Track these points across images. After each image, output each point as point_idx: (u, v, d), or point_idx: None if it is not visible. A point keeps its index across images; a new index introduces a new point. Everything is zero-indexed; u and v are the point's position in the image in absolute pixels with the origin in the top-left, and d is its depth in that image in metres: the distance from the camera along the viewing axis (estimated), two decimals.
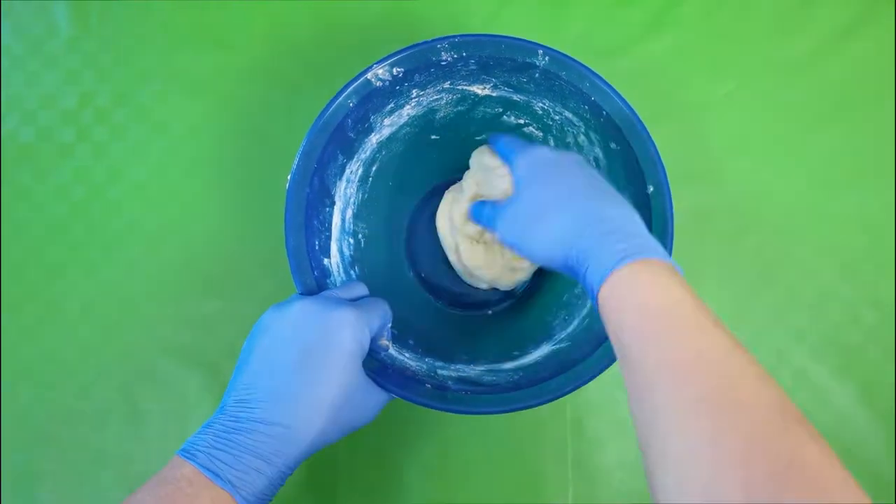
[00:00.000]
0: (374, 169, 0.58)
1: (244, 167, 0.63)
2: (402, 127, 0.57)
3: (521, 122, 0.58)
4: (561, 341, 0.53)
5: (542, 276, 0.62)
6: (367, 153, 0.56)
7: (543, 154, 0.46)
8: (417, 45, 0.50)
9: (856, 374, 0.61)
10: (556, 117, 0.55)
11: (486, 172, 0.53)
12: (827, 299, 0.62)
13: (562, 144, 0.57)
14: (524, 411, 0.57)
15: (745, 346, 0.33)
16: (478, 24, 0.65)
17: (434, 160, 0.60)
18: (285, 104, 0.64)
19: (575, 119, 0.54)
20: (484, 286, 0.61)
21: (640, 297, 0.34)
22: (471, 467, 0.60)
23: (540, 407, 0.55)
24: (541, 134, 0.58)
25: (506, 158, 0.49)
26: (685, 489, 0.29)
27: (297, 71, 0.65)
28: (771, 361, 0.62)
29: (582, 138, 0.55)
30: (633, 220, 0.39)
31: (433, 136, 0.59)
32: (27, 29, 0.65)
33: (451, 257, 0.59)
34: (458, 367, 0.52)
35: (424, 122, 0.58)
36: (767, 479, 0.27)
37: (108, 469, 0.59)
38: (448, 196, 0.59)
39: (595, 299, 0.37)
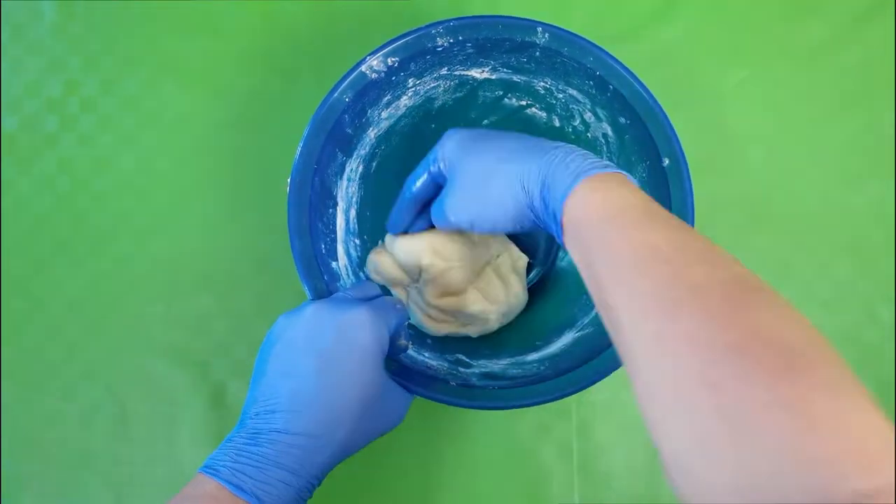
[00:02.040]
0: (374, 165, 0.56)
1: (237, 158, 0.62)
2: (399, 119, 0.55)
3: (523, 103, 0.56)
4: (584, 327, 0.51)
5: (554, 266, 0.59)
6: (367, 149, 0.55)
7: (453, 133, 0.44)
8: (412, 32, 0.48)
9: (872, 373, 0.59)
10: (560, 96, 0.54)
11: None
12: (843, 295, 0.61)
13: (567, 123, 0.56)
14: (527, 412, 0.56)
15: (703, 237, 0.33)
16: (479, 9, 0.63)
17: None
18: (281, 93, 0.62)
19: (580, 96, 0.52)
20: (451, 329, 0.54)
21: (596, 209, 0.35)
22: (472, 468, 0.58)
23: (544, 409, 0.53)
24: (544, 114, 0.57)
25: (428, 166, 0.46)
26: (656, 396, 0.29)
27: (293, 58, 0.63)
28: None
29: (588, 115, 0.54)
30: (574, 148, 0.39)
31: (433, 125, 0.57)
32: (10, 14, 0.63)
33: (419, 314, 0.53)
34: (481, 362, 0.51)
35: (423, 112, 0.56)
36: (727, 349, 0.27)
37: (94, 472, 0.58)
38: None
39: (560, 228, 0.36)
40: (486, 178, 0.40)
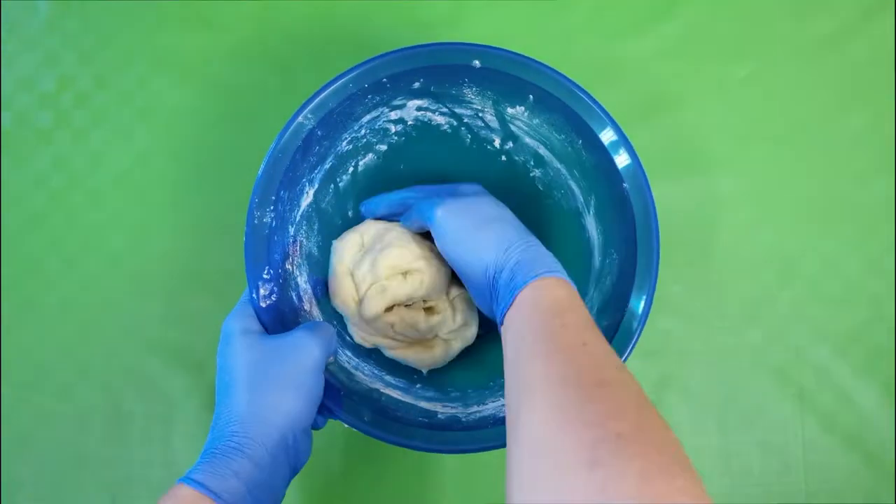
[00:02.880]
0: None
1: (234, 154, 0.61)
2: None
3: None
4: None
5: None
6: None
7: (454, 191, 0.49)
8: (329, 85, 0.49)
9: (881, 373, 0.59)
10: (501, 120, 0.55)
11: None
12: (850, 294, 0.60)
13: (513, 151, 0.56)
14: None
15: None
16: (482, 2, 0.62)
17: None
18: (277, 87, 0.62)
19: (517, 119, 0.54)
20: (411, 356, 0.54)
21: (546, 301, 0.39)
22: (473, 469, 0.58)
23: None
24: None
25: (416, 209, 0.50)
26: (534, 454, 0.32)
27: (289, 52, 0.62)
28: (789, 360, 0.59)
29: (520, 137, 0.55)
30: (535, 243, 0.44)
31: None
32: (3, 8, 0.62)
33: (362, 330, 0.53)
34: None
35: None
36: (616, 437, 0.29)
37: (89, 473, 0.57)
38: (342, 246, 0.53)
39: (503, 315, 0.41)
40: (483, 223, 0.45)
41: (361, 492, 0.58)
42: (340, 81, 0.48)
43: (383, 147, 0.55)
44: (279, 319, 0.48)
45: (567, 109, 0.49)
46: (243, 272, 0.57)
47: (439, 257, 0.51)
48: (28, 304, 0.59)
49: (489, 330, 0.55)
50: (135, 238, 0.60)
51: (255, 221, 0.48)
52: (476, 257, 0.44)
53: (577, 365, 0.34)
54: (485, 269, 0.43)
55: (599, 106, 0.49)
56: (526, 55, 0.49)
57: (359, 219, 0.55)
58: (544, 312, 0.38)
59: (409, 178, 0.55)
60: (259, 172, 0.48)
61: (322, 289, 0.53)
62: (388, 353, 0.53)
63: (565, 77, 0.49)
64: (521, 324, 0.39)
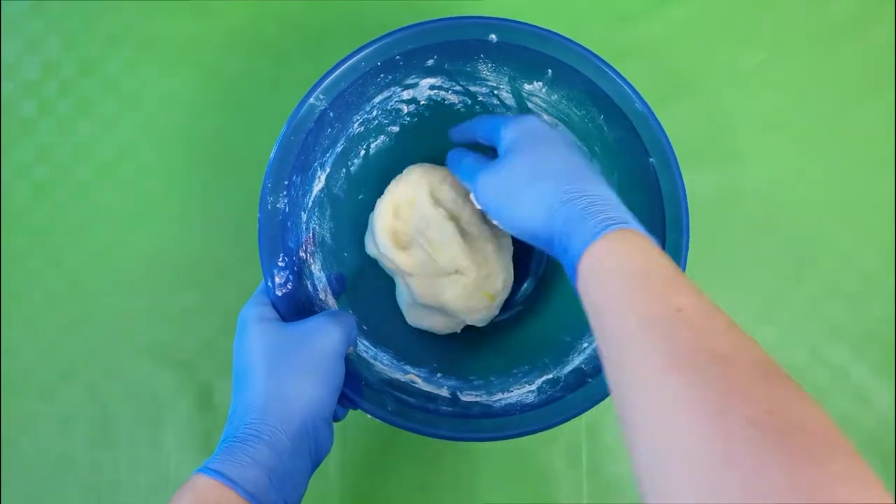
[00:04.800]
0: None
1: (225, 145, 0.60)
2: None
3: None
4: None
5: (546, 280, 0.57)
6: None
7: (533, 123, 0.45)
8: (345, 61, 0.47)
9: None
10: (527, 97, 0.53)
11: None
12: (868, 291, 0.58)
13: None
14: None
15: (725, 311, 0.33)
16: None
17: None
18: (271, 75, 0.60)
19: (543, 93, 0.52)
20: (441, 324, 0.54)
21: (621, 262, 0.35)
22: (477, 471, 0.57)
23: None
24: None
25: (491, 133, 0.47)
26: (667, 465, 0.28)
27: (283, 38, 0.61)
28: (805, 359, 0.58)
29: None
30: (613, 197, 0.40)
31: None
32: None
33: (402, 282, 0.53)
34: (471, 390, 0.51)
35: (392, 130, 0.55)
36: (747, 424, 0.26)
37: (74, 478, 0.56)
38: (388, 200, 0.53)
39: (574, 269, 0.37)
40: (523, 183, 0.41)
41: (382, 483, 0.57)
42: (353, 60, 0.47)
43: (395, 128, 0.54)
44: (295, 308, 0.47)
45: (589, 84, 0.48)
46: (234, 267, 0.59)
47: (485, 250, 0.52)
48: (10, 301, 0.58)
49: (508, 313, 0.55)
50: (121, 232, 0.59)
51: (269, 207, 0.46)
52: (524, 227, 0.41)
53: (679, 340, 0.30)
54: (535, 237, 0.40)
55: (624, 79, 0.47)
56: (547, 28, 0.47)
57: (370, 205, 0.53)
58: (620, 277, 0.34)
59: (421, 161, 0.54)
60: (271, 155, 0.46)
61: (338, 283, 0.52)
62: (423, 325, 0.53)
63: (588, 50, 0.47)
64: (597, 294, 0.35)
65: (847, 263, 0.59)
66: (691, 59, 0.61)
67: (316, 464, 0.41)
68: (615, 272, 0.35)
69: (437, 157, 0.53)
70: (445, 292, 0.51)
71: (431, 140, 0.53)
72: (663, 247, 0.46)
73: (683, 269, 0.46)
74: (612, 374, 0.33)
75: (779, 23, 0.61)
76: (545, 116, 0.52)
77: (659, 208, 0.47)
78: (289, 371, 0.41)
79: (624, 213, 0.38)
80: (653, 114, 0.47)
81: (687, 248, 0.47)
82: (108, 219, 0.59)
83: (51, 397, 0.57)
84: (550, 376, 0.49)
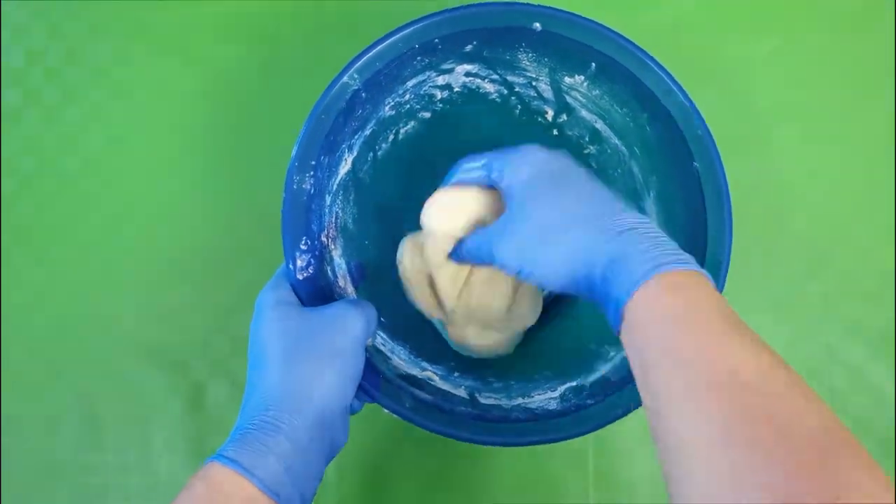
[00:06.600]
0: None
1: (217, 136, 0.59)
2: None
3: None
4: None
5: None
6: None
7: (540, 156, 0.42)
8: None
9: None
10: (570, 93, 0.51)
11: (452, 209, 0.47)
12: (887, 287, 0.57)
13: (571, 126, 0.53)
14: None
15: (788, 365, 0.30)
16: None
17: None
18: (263, 62, 0.59)
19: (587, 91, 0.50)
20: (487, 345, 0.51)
21: (667, 312, 0.33)
22: (483, 473, 0.57)
23: None
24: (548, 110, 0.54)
25: (488, 169, 0.44)
26: None
27: (276, 23, 0.60)
28: (821, 358, 0.57)
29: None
30: (652, 227, 0.37)
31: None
32: None
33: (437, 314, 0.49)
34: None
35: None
36: None
37: (62, 482, 0.56)
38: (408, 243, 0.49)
39: (619, 317, 0.34)
40: (546, 233, 0.39)
41: (382, 483, 0.57)
42: (390, 40, 0.45)
43: (427, 114, 0.53)
44: (316, 294, 0.46)
45: (634, 80, 0.46)
46: (227, 263, 0.58)
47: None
48: None
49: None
50: (109, 226, 0.58)
51: (294, 187, 0.45)
52: (560, 282, 0.38)
53: (735, 408, 0.28)
54: (573, 287, 0.38)
55: (672, 77, 0.46)
56: (593, 20, 0.46)
57: (394, 193, 0.53)
58: (667, 328, 0.32)
59: (451, 151, 0.51)
60: (301, 134, 0.45)
61: (358, 272, 0.51)
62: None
63: (635, 45, 0.46)
64: (642, 344, 0.33)
65: (863, 260, 0.58)
66: (702, 47, 0.60)
67: (330, 457, 0.40)
68: (664, 323, 0.32)
69: (465, 149, 0.50)
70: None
71: (462, 129, 0.52)
72: (703, 262, 0.44)
73: (722, 287, 0.44)
74: (658, 430, 0.31)
75: (792, 9, 0.60)
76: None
77: (701, 219, 0.45)
78: (308, 357, 0.40)
79: (666, 245, 0.35)
80: (701, 119, 0.46)
81: (727, 264, 0.45)
82: (95, 213, 0.58)
83: (37, 399, 0.56)
84: (574, 384, 0.48)
